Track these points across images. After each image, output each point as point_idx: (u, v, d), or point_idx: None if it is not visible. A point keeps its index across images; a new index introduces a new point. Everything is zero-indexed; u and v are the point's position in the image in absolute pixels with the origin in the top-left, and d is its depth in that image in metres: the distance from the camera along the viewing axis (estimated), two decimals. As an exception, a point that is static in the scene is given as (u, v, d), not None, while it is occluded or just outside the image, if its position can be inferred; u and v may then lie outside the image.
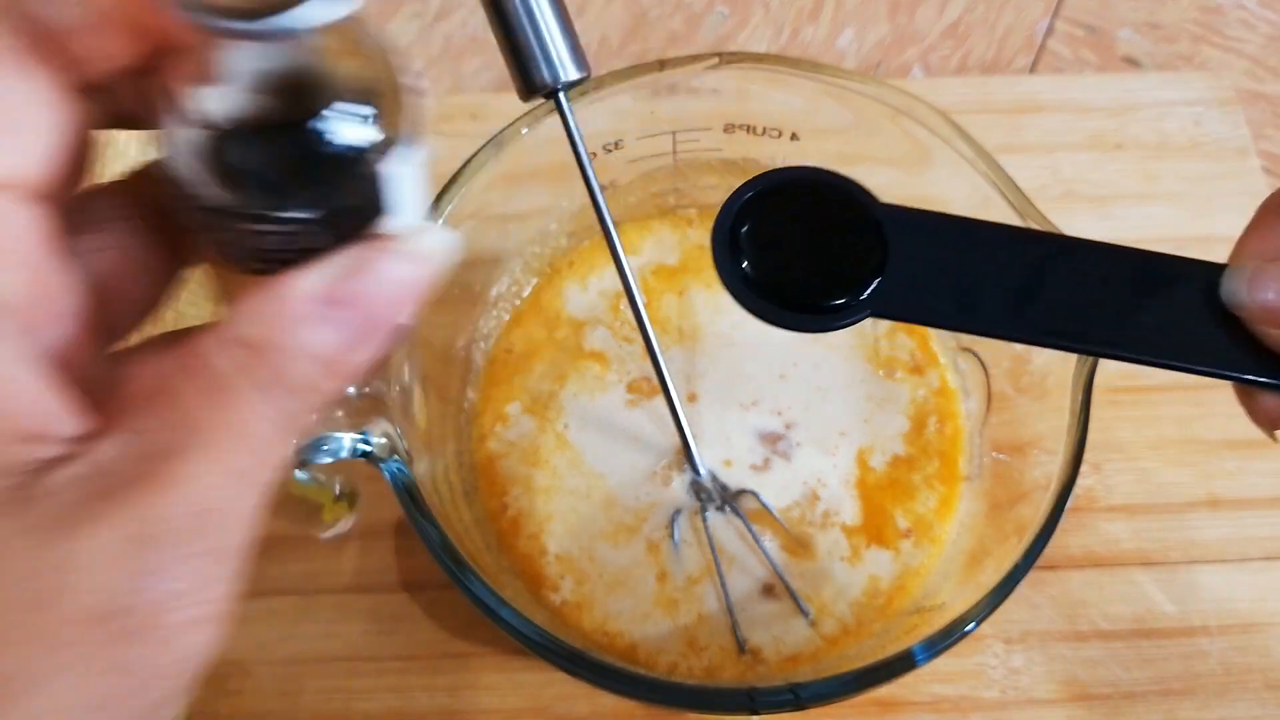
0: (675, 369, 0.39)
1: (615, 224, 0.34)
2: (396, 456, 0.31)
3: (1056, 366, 0.31)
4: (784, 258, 0.25)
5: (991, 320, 0.25)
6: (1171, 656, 0.39)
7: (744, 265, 0.25)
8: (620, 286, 0.35)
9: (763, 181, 0.26)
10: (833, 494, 0.37)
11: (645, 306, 0.35)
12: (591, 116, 0.35)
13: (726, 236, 0.25)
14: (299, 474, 0.36)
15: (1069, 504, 0.29)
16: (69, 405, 0.18)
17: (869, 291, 0.25)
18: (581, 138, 0.33)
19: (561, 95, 0.33)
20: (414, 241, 0.20)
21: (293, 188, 0.19)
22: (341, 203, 0.19)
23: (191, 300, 0.46)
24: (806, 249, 0.25)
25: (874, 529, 0.37)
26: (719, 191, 0.42)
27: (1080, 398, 0.30)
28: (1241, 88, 0.51)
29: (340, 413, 0.31)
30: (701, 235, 0.42)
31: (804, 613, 0.35)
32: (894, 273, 0.25)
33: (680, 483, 0.37)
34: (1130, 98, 0.49)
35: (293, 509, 0.37)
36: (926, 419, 0.38)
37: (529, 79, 0.32)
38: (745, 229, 0.25)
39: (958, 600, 0.31)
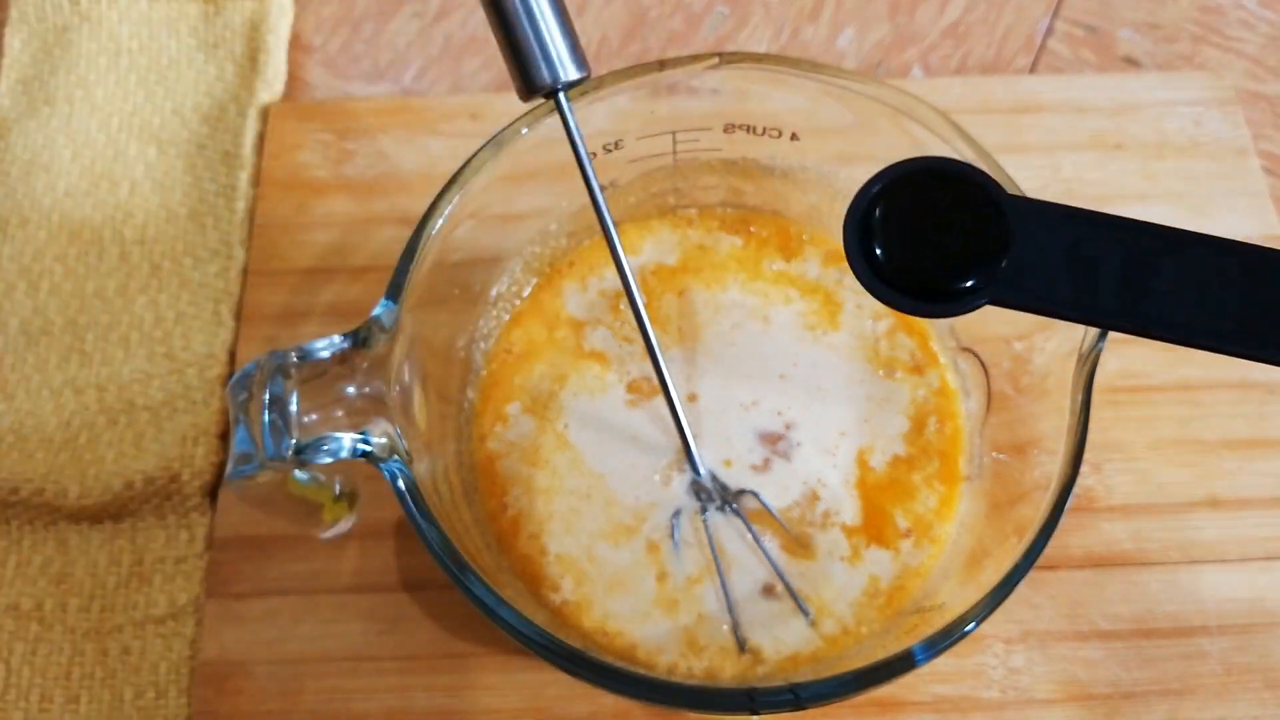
0: (675, 369, 0.39)
1: (615, 224, 0.34)
2: (396, 456, 0.31)
3: (1056, 366, 0.31)
4: (906, 245, 0.25)
5: (1112, 312, 0.25)
6: (1171, 656, 0.39)
7: (875, 253, 0.25)
8: (620, 286, 0.35)
9: (892, 172, 0.26)
10: (833, 494, 0.37)
11: (645, 306, 0.35)
12: (591, 116, 0.35)
13: (857, 226, 0.25)
14: (299, 474, 0.36)
15: (1069, 504, 0.29)
16: None
17: (991, 278, 0.25)
18: (581, 138, 0.33)
19: (561, 95, 0.33)
20: None
21: None
22: None
23: (193, 300, 0.47)
24: (927, 236, 0.26)
25: (874, 529, 0.37)
26: (719, 191, 0.42)
27: (1080, 398, 0.30)
28: (1241, 88, 0.51)
29: (340, 412, 0.31)
30: (701, 235, 0.42)
31: (804, 613, 0.35)
32: (1015, 261, 0.25)
33: (680, 483, 0.37)
34: (1130, 98, 0.49)
35: (293, 509, 0.37)
36: (926, 419, 0.38)
37: (529, 79, 0.32)
38: (875, 218, 0.26)
39: (958, 600, 0.31)
